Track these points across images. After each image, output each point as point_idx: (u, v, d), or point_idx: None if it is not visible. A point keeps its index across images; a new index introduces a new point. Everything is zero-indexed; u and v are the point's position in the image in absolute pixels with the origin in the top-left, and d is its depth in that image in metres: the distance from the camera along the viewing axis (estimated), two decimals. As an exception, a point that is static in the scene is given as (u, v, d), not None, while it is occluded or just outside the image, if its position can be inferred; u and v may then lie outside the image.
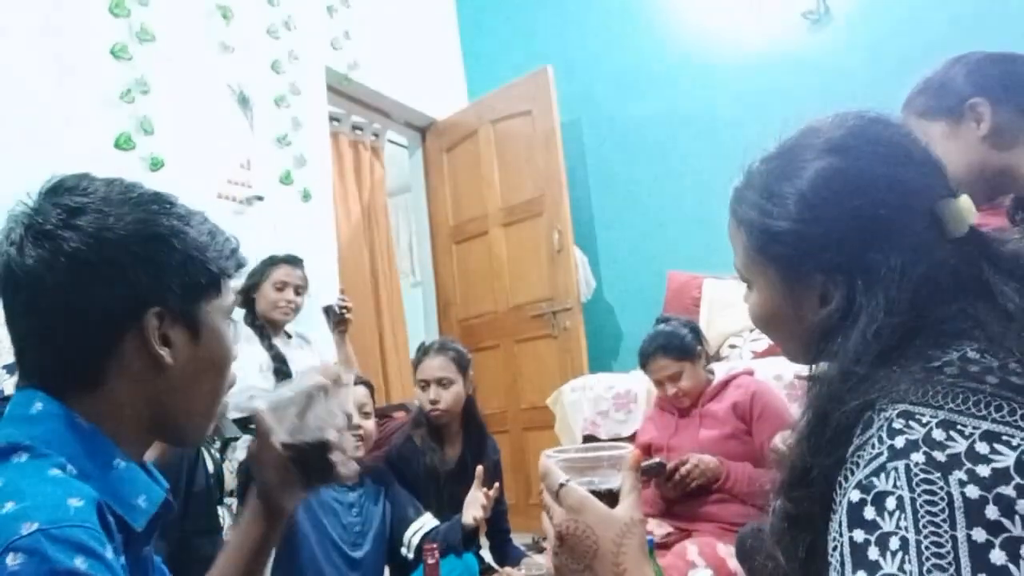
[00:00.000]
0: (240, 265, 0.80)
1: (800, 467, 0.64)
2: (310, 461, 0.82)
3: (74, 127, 2.46)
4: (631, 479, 0.71)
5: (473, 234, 4.15)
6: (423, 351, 2.24)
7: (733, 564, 1.77)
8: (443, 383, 2.14)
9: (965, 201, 0.67)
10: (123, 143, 2.58)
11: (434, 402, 2.12)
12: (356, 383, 1.95)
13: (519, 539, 2.49)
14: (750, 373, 2.26)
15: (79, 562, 0.52)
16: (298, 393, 0.83)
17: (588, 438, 2.99)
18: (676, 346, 2.14)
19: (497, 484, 1.96)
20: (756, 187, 0.74)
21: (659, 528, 1.96)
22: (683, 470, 1.97)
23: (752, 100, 3.65)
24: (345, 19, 3.71)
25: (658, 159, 3.92)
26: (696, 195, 3.78)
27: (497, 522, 2.34)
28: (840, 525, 0.55)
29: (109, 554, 0.56)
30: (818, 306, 0.69)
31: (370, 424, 1.93)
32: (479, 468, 1.88)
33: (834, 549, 0.55)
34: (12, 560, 0.50)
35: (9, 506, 0.54)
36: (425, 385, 2.14)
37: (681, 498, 2.03)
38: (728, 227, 0.79)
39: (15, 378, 1.97)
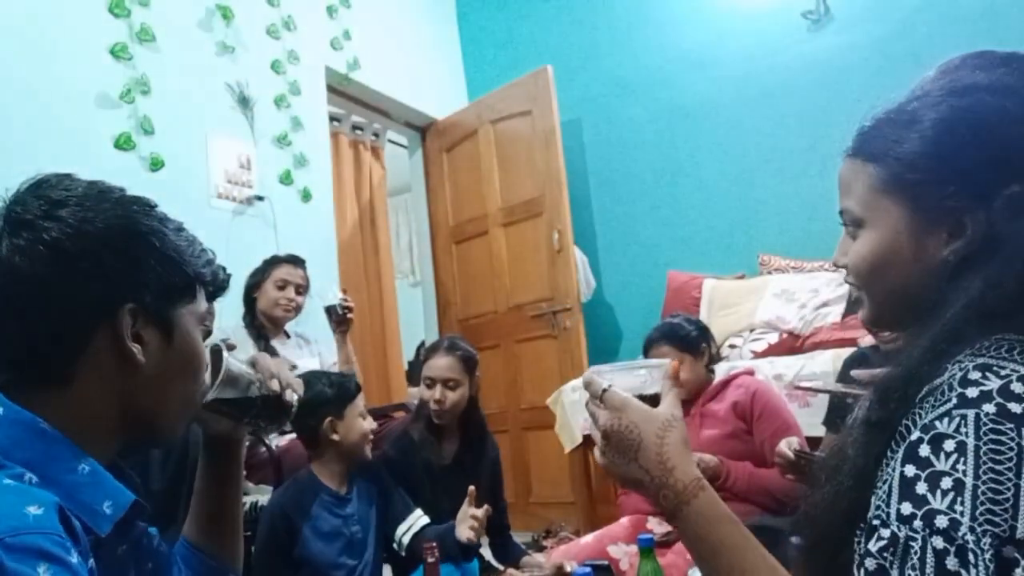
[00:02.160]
0: (216, 276, 0.80)
1: (901, 380, 0.62)
2: (252, 413, 0.91)
3: (74, 127, 2.46)
4: (670, 384, 0.76)
5: (473, 234, 4.15)
6: (433, 348, 2.23)
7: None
8: (449, 384, 2.14)
9: None
10: (123, 143, 2.58)
11: (439, 402, 2.12)
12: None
13: (519, 537, 2.49)
14: (750, 373, 2.26)
15: (42, 570, 0.51)
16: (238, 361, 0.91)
17: (588, 438, 2.99)
18: (679, 336, 2.16)
19: (490, 496, 1.97)
20: (889, 122, 0.71)
21: (659, 527, 1.96)
22: (683, 469, 1.97)
23: (752, 100, 3.65)
24: (345, 19, 3.72)
25: (658, 159, 3.92)
26: (696, 195, 3.79)
27: (497, 520, 2.34)
28: (895, 461, 0.55)
29: (75, 558, 0.55)
30: (946, 241, 0.65)
31: (369, 423, 1.94)
32: (471, 488, 1.84)
33: (884, 482, 0.55)
34: None
35: None
36: (431, 383, 2.14)
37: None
38: (841, 172, 0.75)
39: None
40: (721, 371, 2.30)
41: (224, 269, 0.83)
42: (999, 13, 3.06)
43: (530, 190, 3.86)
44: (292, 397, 0.93)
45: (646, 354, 2.24)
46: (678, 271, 3.63)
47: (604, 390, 0.74)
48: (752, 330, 3.17)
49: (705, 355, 2.20)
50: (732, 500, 1.99)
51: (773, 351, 2.97)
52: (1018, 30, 2.97)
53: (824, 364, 2.49)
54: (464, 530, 1.77)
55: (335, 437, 1.85)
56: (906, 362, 0.63)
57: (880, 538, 0.53)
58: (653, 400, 0.75)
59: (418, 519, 1.93)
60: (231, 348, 0.90)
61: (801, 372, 2.52)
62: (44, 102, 2.39)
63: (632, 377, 0.77)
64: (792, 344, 2.98)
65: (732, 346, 3.19)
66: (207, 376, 0.84)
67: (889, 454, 0.58)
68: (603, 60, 4.12)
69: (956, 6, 3.16)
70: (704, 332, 2.23)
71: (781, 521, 1.61)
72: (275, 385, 0.91)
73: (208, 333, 1.32)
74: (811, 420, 2.27)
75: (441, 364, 2.15)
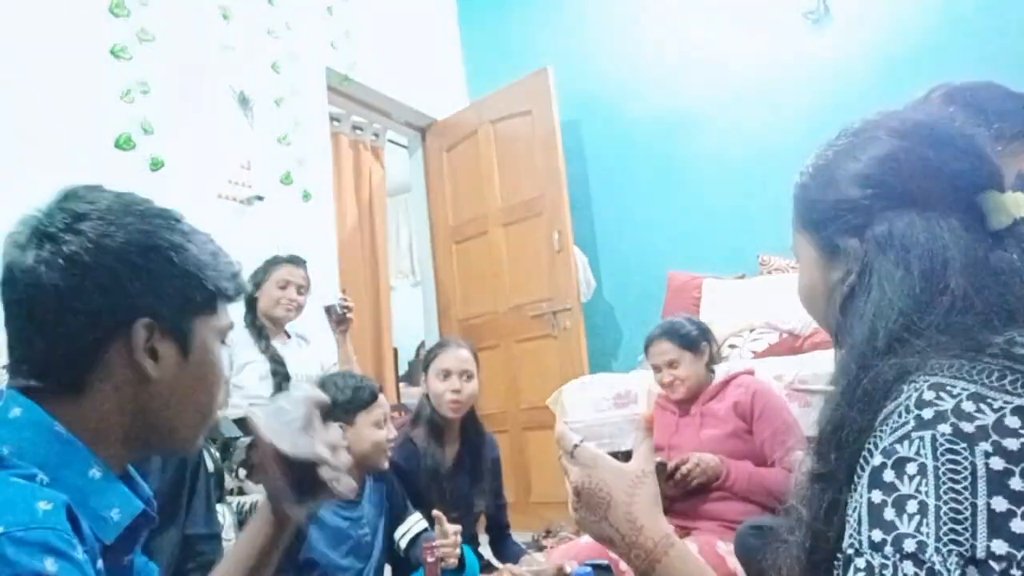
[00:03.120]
0: (240, 290, 0.80)
1: (830, 430, 0.65)
2: (301, 477, 0.81)
3: (74, 127, 2.46)
4: (642, 436, 0.76)
5: (473, 234, 4.15)
6: (441, 345, 2.25)
7: (732, 562, 1.77)
8: (466, 375, 2.16)
9: (1013, 197, 0.66)
10: (123, 143, 2.58)
11: (457, 391, 2.13)
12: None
13: (519, 537, 2.49)
14: (750, 373, 2.26)
15: (49, 564, 0.52)
16: (295, 406, 0.83)
17: (588, 438, 2.99)
18: (680, 334, 2.17)
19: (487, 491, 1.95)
20: (810, 165, 0.76)
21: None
22: (684, 469, 1.97)
23: (752, 100, 3.65)
24: (345, 19, 3.72)
25: (658, 159, 3.92)
26: (696, 195, 3.79)
27: (497, 519, 2.34)
28: (861, 487, 0.56)
29: (80, 555, 0.55)
30: (843, 276, 0.70)
31: (390, 431, 1.92)
32: (435, 513, 1.80)
33: (853, 510, 0.56)
34: None
35: None
36: (448, 374, 2.15)
37: (682, 496, 2.03)
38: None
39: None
40: (721, 371, 2.31)
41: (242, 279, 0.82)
42: (999, 13, 3.06)
43: (530, 190, 3.86)
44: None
45: (646, 351, 2.25)
46: (678, 271, 3.63)
47: (576, 445, 0.75)
48: (752, 330, 3.17)
49: (705, 354, 2.20)
50: (732, 499, 2.00)
51: (773, 351, 2.97)
52: (1017, 30, 2.97)
53: (824, 364, 2.49)
54: (444, 557, 1.72)
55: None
56: (834, 407, 0.65)
57: (857, 569, 0.53)
58: (627, 457, 0.75)
59: (416, 522, 1.93)
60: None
61: (801, 374, 2.51)
62: (44, 102, 2.39)
63: (607, 431, 0.79)
64: (792, 344, 2.98)
65: (732, 346, 3.19)
66: (288, 426, 0.81)
67: (856, 479, 0.58)
68: (603, 60, 4.12)
69: (956, 6, 3.16)
70: (705, 332, 2.24)
71: (781, 520, 1.61)
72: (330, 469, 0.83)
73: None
74: (812, 420, 2.27)
75: (460, 355, 2.18)
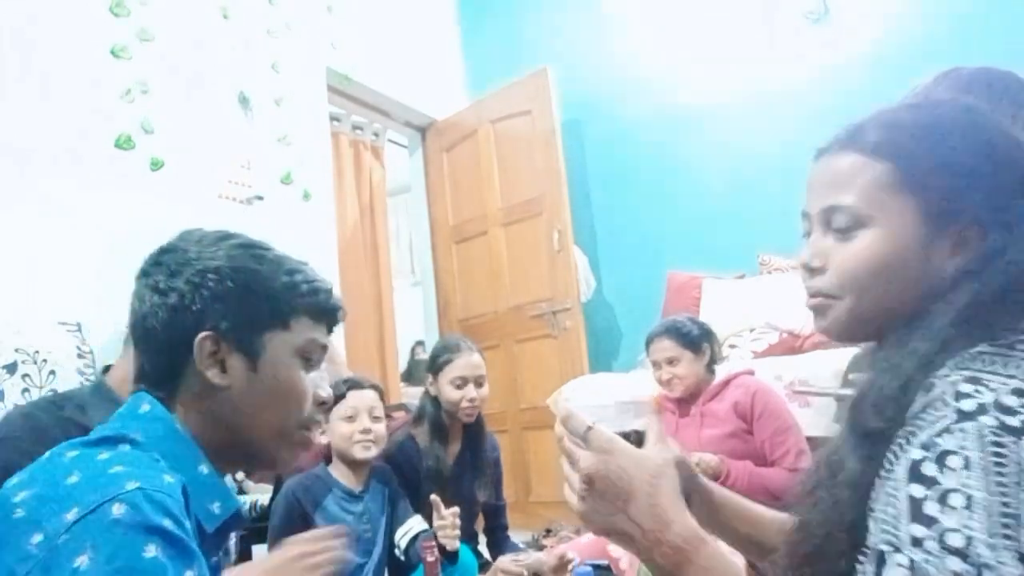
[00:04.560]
0: (326, 308, 0.86)
1: (896, 387, 0.61)
2: None
3: (74, 127, 2.46)
4: (656, 422, 0.69)
5: (473, 234, 4.15)
6: (452, 349, 2.19)
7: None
8: (480, 382, 2.16)
9: None
10: (123, 143, 2.58)
11: (473, 400, 2.13)
12: (366, 387, 1.95)
13: (518, 536, 2.49)
14: (750, 373, 2.27)
15: (167, 523, 0.61)
16: None
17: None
18: (681, 332, 2.18)
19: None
20: (903, 121, 0.69)
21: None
22: (684, 469, 1.97)
23: (753, 100, 3.65)
24: (345, 19, 3.72)
25: (658, 159, 3.92)
26: (696, 195, 3.79)
27: (496, 518, 2.34)
28: (897, 481, 0.54)
29: (188, 525, 0.65)
30: (948, 253, 0.65)
31: (380, 427, 1.93)
32: (433, 498, 1.83)
33: (886, 503, 0.54)
34: (116, 509, 0.60)
35: (118, 468, 0.65)
36: (463, 383, 2.13)
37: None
38: (831, 165, 0.71)
39: (14, 377, 1.98)
40: (721, 371, 2.31)
41: (333, 298, 0.87)
42: (999, 13, 3.06)
43: (530, 190, 3.86)
44: None
45: (648, 347, 2.26)
46: (678, 271, 3.63)
47: (589, 427, 0.67)
48: (752, 330, 3.17)
49: (706, 355, 2.20)
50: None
51: (773, 351, 2.97)
52: (1018, 30, 2.97)
53: (824, 364, 2.49)
54: (444, 541, 1.76)
55: (323, 439, 1.89)
56: (899, 371, 0.62)
57: (899, 565, 0.51)
58: (637, 441, 0.68)
59: (416, 523, 1.93)
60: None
61: (801, 374, 2.52)
62: (44, 102, 2.39)
63: (613, 412, 0.69)
64: (792, 344, 2.99)
65: (732, 346, 3.19)
66: None
67: (885, 469, 0.56)
68: (603, 60, 4.12)
69: (956, 6, 3.16)
70: (707, 333, 2.24)
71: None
72: None
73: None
74: (812, 420, 2.28)
75: (475, 362, 2.16)
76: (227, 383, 0.78)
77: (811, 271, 0.72)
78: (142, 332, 0.80)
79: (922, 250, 0.65)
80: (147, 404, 0.77)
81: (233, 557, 1.50)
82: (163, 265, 0.81)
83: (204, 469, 0.75)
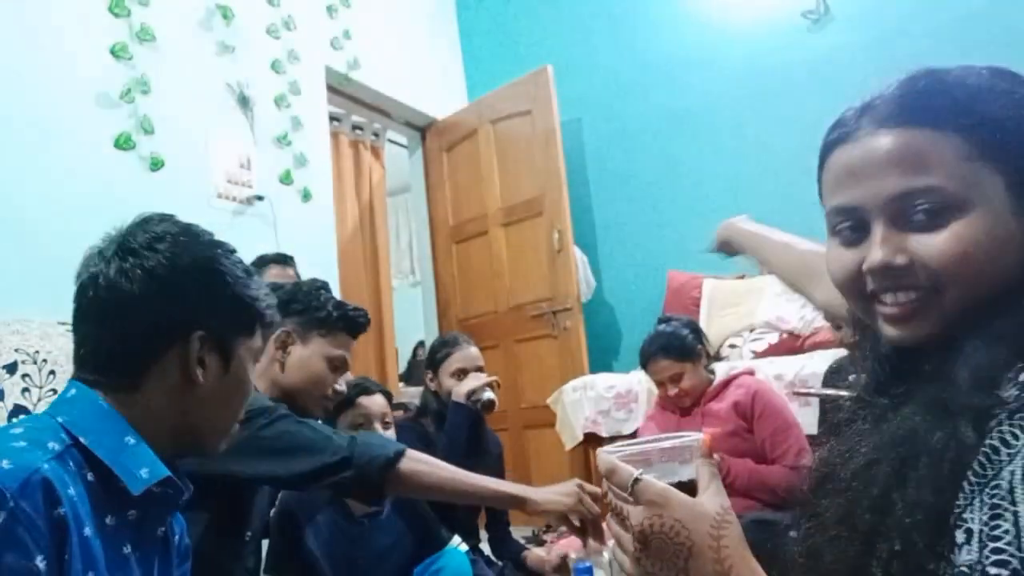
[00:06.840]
0: (274, 319, 0.95)
1: (976, 378, 0.53)
2: None
3: (74, 127, 2.46)
4: (707, 467, 0.61)
5: (473, 234, 4.15)
6: (452, 343, 2.25)
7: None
8: (479, 371, 2.20)
9: None
10: (123, 143, 2.58)
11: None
12: (374, 392, 1.88)
13: (520, 533, 2.50)
14: (751, 373, 2.27)
15: None
16: None
17: (589, 436, 3.00)
18: (677, 347, 2.15)
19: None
20: (949, 87, 0.61)
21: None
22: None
23: (752, 100, 3.65)
24: (345, 19, 3.72)
25: (658, 159, 3.92)
26: (696, 195, 3.79)
27: (497, 515, 2.34)
28: (1011, 492, 0.46)
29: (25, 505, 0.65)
30: None
31: (391, 433, 1.88)
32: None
33: (996, 517, 0.46)
34: None
35: None
36: (463, 374, 2.17)
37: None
38: (898, 145, 0.60)
39: (14, 377, 1.98)
40: (721, 371, 2.31)
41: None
42: (999, 13, 3.06)
43: (530, 190, 3.86)
44: None
45: (645, 368, 2.22)
46: (678, 271, 3.63)
47: (636, 480, 0.60)
48: (752, 330, 3.17)
49: (703, 356, 2.20)
50: (733, 496, 2.00)
51: (773, 351, 2.97)
52: (1018, 30, 2.97)
53: (824, 364, 2.49)
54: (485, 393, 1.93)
55: None
56: (996, 355, 0.54)
57: None
58: (688, 490, 0.60)
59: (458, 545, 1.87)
60: None
61: (801, 374, 2.51)
62: (44, 102, 2.39)
63: (656, 464, 0.61)
64: (792, 344, 2.99)
65: (732, 346, 3.19)
66: None
67: (975, 472, 0.49)
68: (603, 60, 4.12)
69: (956, 6, 3.16)
70: (697, 332, 2.23)
71: (780, 516, 1.61)
72: None
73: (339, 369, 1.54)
74: (812, 420, 2.28)
75: (473, 353, 2.23)
76: (203, 381, 0.83)
77: (893, 271, 0.59)
78: (114, 318, 0.81)
79: (1017, 227, 0.57)
80: (73, 389, 0.81)
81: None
82: (159, 252, 0.82)
83: (131, 440, 0.79)
